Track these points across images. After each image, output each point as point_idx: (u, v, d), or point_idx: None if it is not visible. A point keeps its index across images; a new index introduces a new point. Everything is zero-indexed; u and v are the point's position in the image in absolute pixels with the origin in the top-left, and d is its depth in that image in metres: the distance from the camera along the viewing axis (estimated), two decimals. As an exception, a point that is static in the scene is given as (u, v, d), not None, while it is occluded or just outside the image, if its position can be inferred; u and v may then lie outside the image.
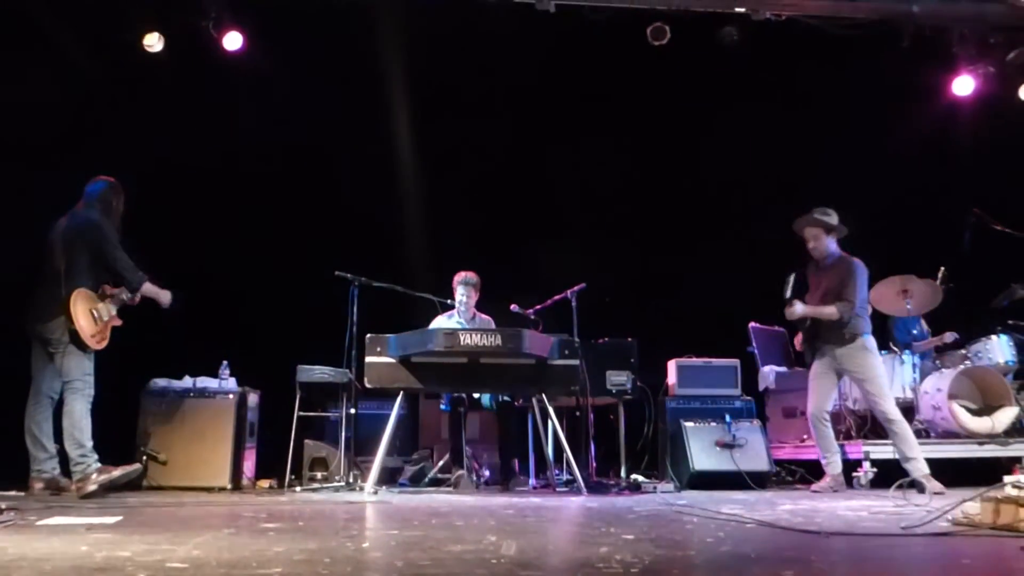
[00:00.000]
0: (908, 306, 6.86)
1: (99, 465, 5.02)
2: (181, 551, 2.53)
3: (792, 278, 5.83)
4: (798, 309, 5.78)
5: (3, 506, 3.38)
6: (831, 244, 5.92)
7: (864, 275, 5.82)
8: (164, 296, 5.46)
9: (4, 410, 6.71)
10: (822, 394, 5.89)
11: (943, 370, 6.66)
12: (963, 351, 6.85)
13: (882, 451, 6.05)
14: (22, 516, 3.46)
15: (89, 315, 5.08)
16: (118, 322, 5.30)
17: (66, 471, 5.11)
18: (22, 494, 4.94)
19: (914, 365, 6.74)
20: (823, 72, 7.45)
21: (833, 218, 5.92)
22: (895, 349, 6.93)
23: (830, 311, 5.71)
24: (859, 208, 7.17)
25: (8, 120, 6.22)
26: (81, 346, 5.07)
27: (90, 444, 5.04)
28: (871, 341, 5.79)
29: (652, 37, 7.12)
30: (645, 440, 6.73)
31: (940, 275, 6.99)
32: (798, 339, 6.10)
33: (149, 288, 5.36)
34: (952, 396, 6.42)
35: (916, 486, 5.34)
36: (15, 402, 5.32)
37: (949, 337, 7.08)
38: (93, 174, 5.46)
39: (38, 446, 5.15)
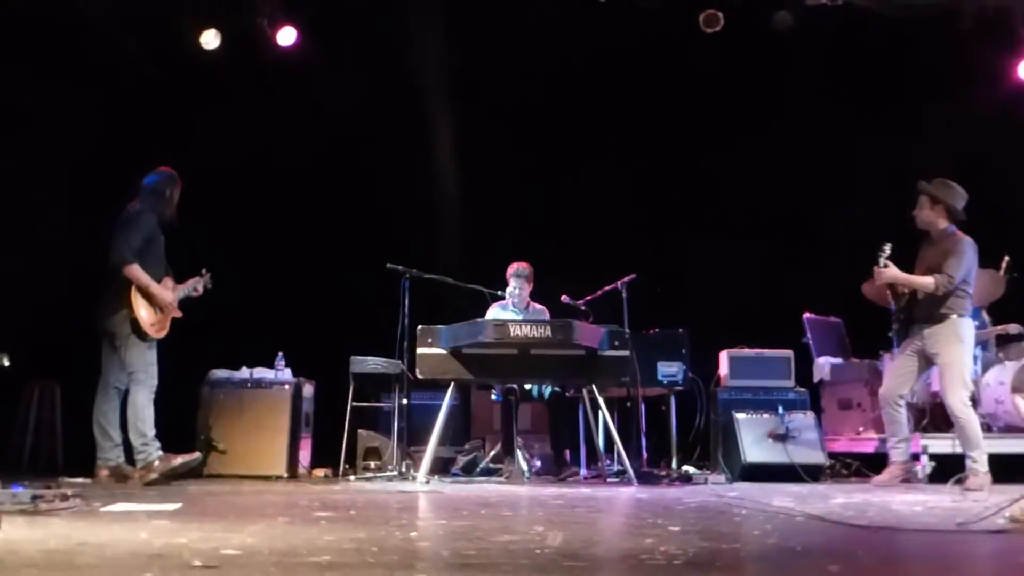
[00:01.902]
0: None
1: (161, 454, 5.17)
2: (236, 539, 2.61)
3: (888, 246, 5.49)
4: (889, 270, 5.43)
5: (70, 493, 3.50)
6: (940, 219, 5.55)
7: (973, 254, 5.45)
8: (163, 296, 5.30)
9: (74, 402, 6.99)
10: (899, 375, 5.58)
11: (1006, 363, 6.47)
12: (1027, 342, 6.64)
13: (941, 445, 5.88)
14: (87, 503, 3.59)
15: (148, 305, 5.22)
16: (178, 314, 5.44)
17: (131, 459, 5.27)
18: (89, 481, 5.12)
19: (975, 357, 6.55)
20: (881, 57, 7.29)
21: (947, 192, 5.57)
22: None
23: (926, 281, 5.36)
24: (916, 196, 7.02)
25: (67, 121, 6.45)
26: (141, 335, 5.21)
27: (152, 433, 5.19)
28: (966, 326, 5.40)
29: (705, 25, 7.05)
30: (696, 431, 6.68)
31: (1004, 265, 6.78)
32: (868, 285, 5.78)
33: (137, 275, 5.18)
34: (1015, 389, 6.23)
35: (960, 480, 5.21)
36: (84, 394, 5.52)
37: (1013, 329, 6.84)
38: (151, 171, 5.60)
39: (104, 435, 5.32)
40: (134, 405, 5.20)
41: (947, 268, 5.35)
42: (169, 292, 5.37)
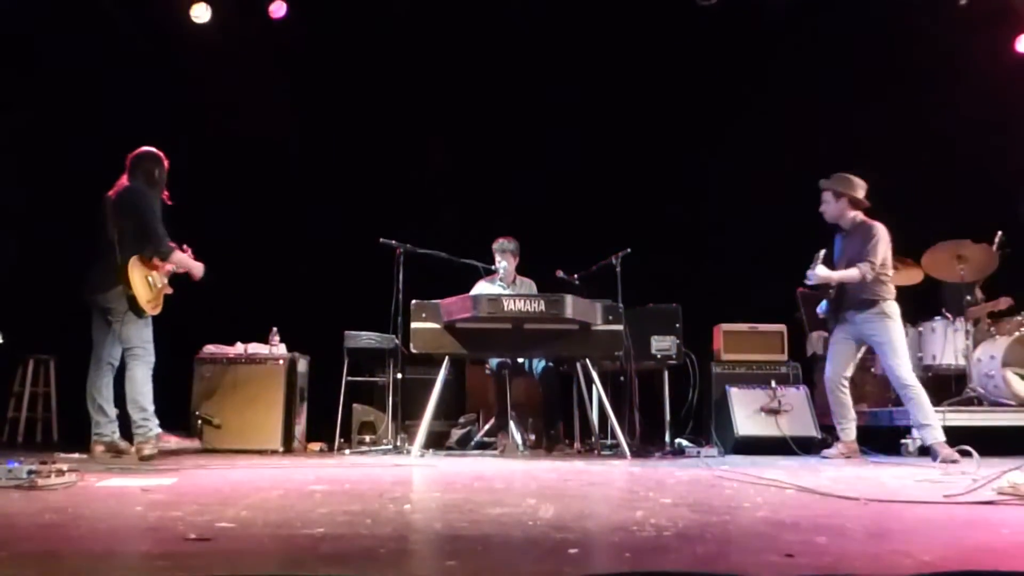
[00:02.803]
0: (962, 272, 6.70)
1: (159, 431, 5.19)
2: (230, 512, 2.63)
3: (822, 253, 5.76)
4: (819, 271, 5.68)
5: (65, 468, 3.52)
6: (846, 211, 5.79)
7: (886, 238, 5.69)
8: (196, 269, 5.45)
9: (68, 377, 7.01)
10: (840, 360, 5.79)
11: (997, 337, 6.52)
12: (1018, 317, 6.67)
13: (959, 418, 5.94)
14: (83, 478, 3.61)
15: (145, 282, 5.22)
16: (169, 290, 5.44)
17: (126, 435, 5.29)
18: (85, 456, 5.14)
19: (967, 332, 6.60)
20: (877, 32, 7.25)
21: (847, 184, 5.79)
22: (948, 316, 6.78)
23: (852, 273, 5.62)
24: (912, 171, 7.03)
25: (57, 95, 6.41)
26: (138, 312, 5.22)
27: (151, 409, 5.20)
28: (892, 307, 5.65)
29: (698, -1, 7.02)
30: (690, 405, 6.72)
31: (997, 240, 6.81)
32: (820, 308, 6.01)
33: (180, 258, 5.37)
34: (1006, 364, 6.29)
35: (930, 453, 5.34)
36: (76, 371, 5.53)
37: (1004, 303, 6.89)
38: (141, 146, 5.57)
39: (99, 411, 5.33)
40: (133, 380, 5.20)
41: (866, 255, 5.62)
42: (199, 264, 5.44)
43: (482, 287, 6.45)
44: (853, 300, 5.71)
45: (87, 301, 5.34)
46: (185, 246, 5.59)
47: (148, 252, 5.27)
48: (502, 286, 6.42)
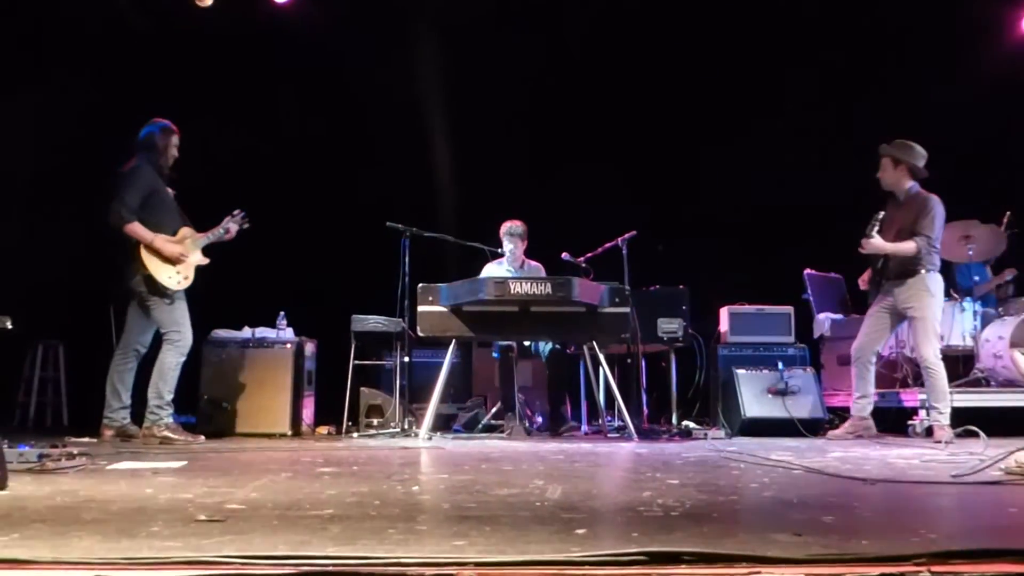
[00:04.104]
0: (970, 252, 6.67)
1: (171, 421, 5.21)
2: (240, 494, 2.65)
3: (881, 215, 5.57)
4: (875, 241, 5.50)
5: (76, 451, 3.55)
6: (904, 179, 5.63)
7: (941, 210, 5.55)
8: (168, 248, 5.24)
9: (77, 361, 7.05)
10: (871, 332, 5.70)
11: (1005, 318, 6.50)
12: (1026, 297, 6.66)
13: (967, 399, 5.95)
14: (93, 461, 3.64)
15: (159, 259, 5.19)
16: (204, 261, 5.42)
17: (136, 420, 5.32)
18: (94, 440, 5.17)
19: (975, 312, 6.58)
20: (887, 9, 7.21)
21: (908, 152, 5.63)
22: (956, 296, 6.76)
23: (908, 247, 5.46)
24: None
25: (62, 80, 6.40)
26: (161, 292, 5.20)
27: (170, 398, 5.21)
28: (935, 281, 5.51)
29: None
30: (696, 387, 6.73)
31: (1005, 220, 6.78)
32: (865, 277, 5.85)
33: (137, 229, 5.18)
34: (1014, 344, 6.27)
35: (929, 431, 5.38)
36: (85, 356, 5.55)
37: (1009, 275, 6.82)
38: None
39: (115, 395, 5.33)
40: (161, 364, 5.22)
41: (922, 229, 5.48)
42: (175, 244, 5.28)
43: (490, 270, 6.45)
44: (896, 270, 5.56)
45: (124, 293, 5.33)
46: (238, 211, 5.56)
47: (178, 225, 5.26)
48: (510, 270, 6.42)
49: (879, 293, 5.72)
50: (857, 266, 6.54)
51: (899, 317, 5.69)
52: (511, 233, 6.42)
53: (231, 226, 5.58)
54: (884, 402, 6.50)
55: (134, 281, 5.21)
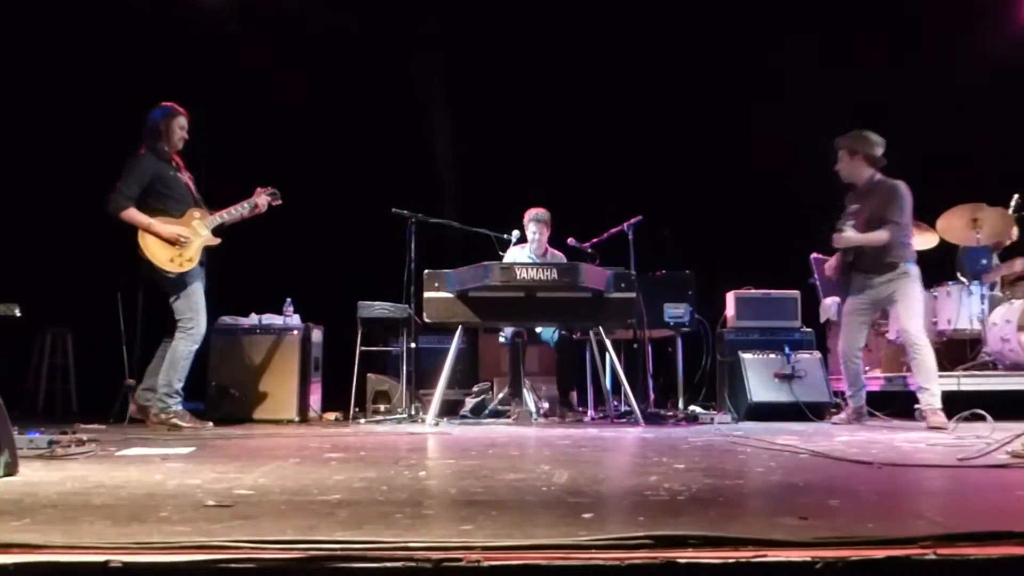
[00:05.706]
0: (978, 236, 6.64)
1: (178, 409, 5.22)
2: (248, 479, 2.66)
3: (852, 208, 5.62)
4: (848, 234, 5.50)
5: (85, 438, 3.57)
6: (862, 169, 5.58)
7: (908, 197, 5.50)
8: (164, 230, 5.19)
9: (86, 348, 7.08)
10: (855, 331, 5.66)
11: (1013, 301, 6.48)
12: (1034, 282, 6.63)
13: (944, 383, 5.90)
14: (103, 447, 3.66)
15: (159, 242, 5.19)
16: (214, 241, 5.39)
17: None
18: (103, 427, 5.19)
19: (983, 296, 6.56)
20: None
21: (862, 142, 5.58)
22: (963, 280, 6.75)
23: (880, 236, 5.41)
24: (927, 134, 6.94)
25: (70, 70, 6.40)
26: (163, 275, 5.20)
27: (179, 386, 5.22)
28: (914, 269, 5.50)
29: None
30: (703, 372, 6.74)
31: (1013, 203, 6.75)
32: (833, 263, 5.80)
33: (133, 216, 5.17)
34: (1021, 328, 6.26)
35: (923, 415, 5.31)
36: (93, 343, 5.57)
37: (1019, 264, 6.80)
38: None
39: (150, 376, 5.36)
40: (173, 352, 5.23)
41: (891, 216, 5.44)
42: (174, 225, 5.24)
43: (513, 253, 6.44)
44: (873, 263, 5.51)
45: (151, 282, 5.34)
46: (268, 188, 5.54)
47: (186, 208, 5.26)
48: (532, 256, 6.42)
49: (851, 289, 5.68)
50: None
51: (875, 307, 5.72)
52: (537, 219, 6.41)
53: (260, 200, 5.51)
54: (891, 386, 6.50)
55: (143, 268, 5.23)
